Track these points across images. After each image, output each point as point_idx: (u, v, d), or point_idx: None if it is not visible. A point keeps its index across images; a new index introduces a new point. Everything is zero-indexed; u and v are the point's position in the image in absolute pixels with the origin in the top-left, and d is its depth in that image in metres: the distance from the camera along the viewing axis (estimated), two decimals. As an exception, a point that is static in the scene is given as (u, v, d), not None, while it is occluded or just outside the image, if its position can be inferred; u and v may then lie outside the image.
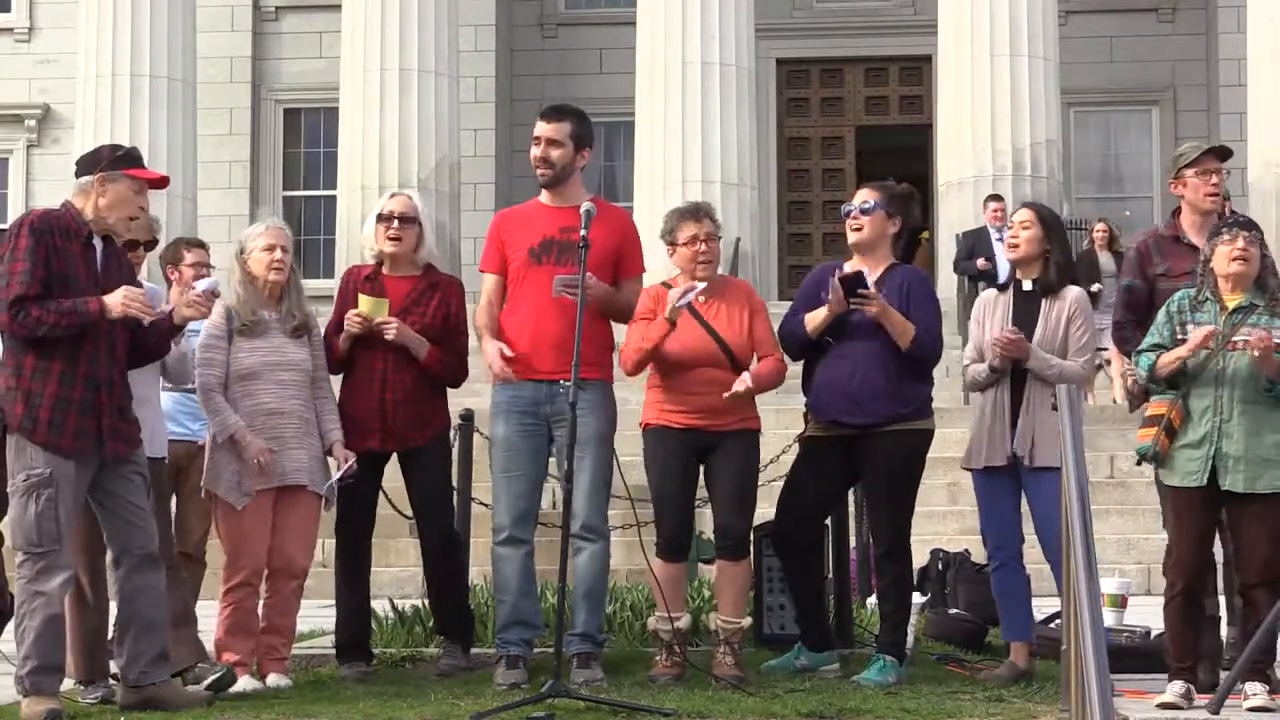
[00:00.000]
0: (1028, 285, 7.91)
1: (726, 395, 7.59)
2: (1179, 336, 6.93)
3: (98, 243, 6.99)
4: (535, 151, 7.83)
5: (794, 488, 7.91)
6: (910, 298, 7.77)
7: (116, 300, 6.83)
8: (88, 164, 7.04)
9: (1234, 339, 6.79)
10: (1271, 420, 6.84)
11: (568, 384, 7.16)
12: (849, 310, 7.68)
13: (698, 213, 7.90)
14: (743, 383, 7.61)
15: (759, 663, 7.94)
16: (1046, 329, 7.80)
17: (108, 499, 6.96)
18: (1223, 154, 7.87)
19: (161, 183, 7.23)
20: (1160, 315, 7.06)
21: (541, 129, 7.83)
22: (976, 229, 18.90)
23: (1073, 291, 7.89)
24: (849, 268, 7.85)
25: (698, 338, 7.69)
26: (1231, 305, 6.93)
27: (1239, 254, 6.93)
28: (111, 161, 6.99)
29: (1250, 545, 6.88)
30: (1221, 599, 7.64)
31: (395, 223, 8.02)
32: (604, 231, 7.67)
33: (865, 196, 7.88)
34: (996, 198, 19.00)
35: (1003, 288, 8.03)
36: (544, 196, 7.94)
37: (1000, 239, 16.71)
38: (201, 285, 7.19)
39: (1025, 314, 7.86)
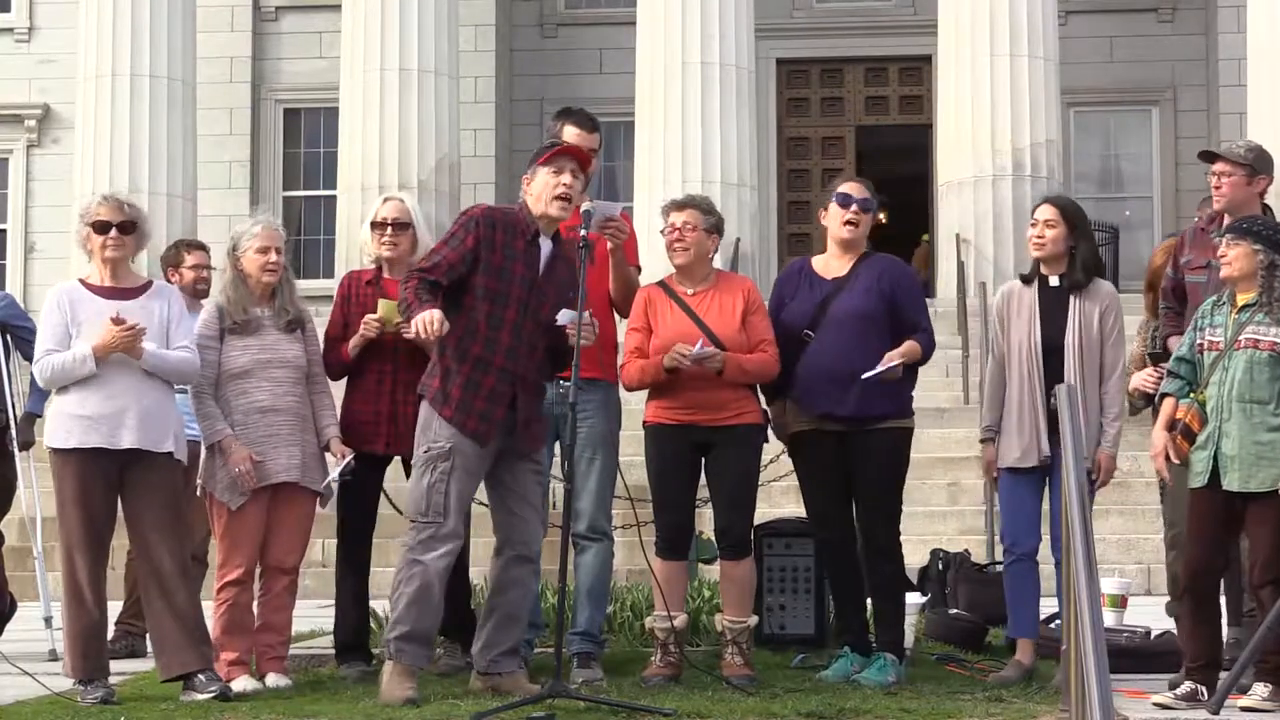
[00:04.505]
0: (1054, 281, 7.84)
1: (664, 357, 7.53)
2: (1198, 342, 7.02)
3: (545, 243, 7.20)
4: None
5: (803, 490, 7.91)
6: (897, 292, 7.71)
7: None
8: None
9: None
10: (1265, 418, 6.86)
11: (566, 383, 7.16)
12: (827, 300, 7.66)
13: (682, 203, 7.88)
14: (681, 352, 7.44)
15: (758, 663, 7.92)
16: (1078, 327, 7.73)
17: (500, 489, 7.26)
18: (1208, 157, 7.89)
19: (577, 152, 7.30)
20: (1191, 324, 7.17)
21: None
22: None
23: (1104, 287, 7.83)
24: (818, 264, 7.83)
25: (688, 332, 7.62)
26: (1241, 303, 6.99)
27: (1220, 261, 7.03)
28: (535, 155, 7.31)
29: (1253, 544, 6.90)
30: (1223, 599, 7.64)
31: (389, 230, 8.04)
32: None
33: (864, 191, 7.81)
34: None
35: (1027, 280, 7.94)
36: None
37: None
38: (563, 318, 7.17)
39: (1053, 311, 7.78)
